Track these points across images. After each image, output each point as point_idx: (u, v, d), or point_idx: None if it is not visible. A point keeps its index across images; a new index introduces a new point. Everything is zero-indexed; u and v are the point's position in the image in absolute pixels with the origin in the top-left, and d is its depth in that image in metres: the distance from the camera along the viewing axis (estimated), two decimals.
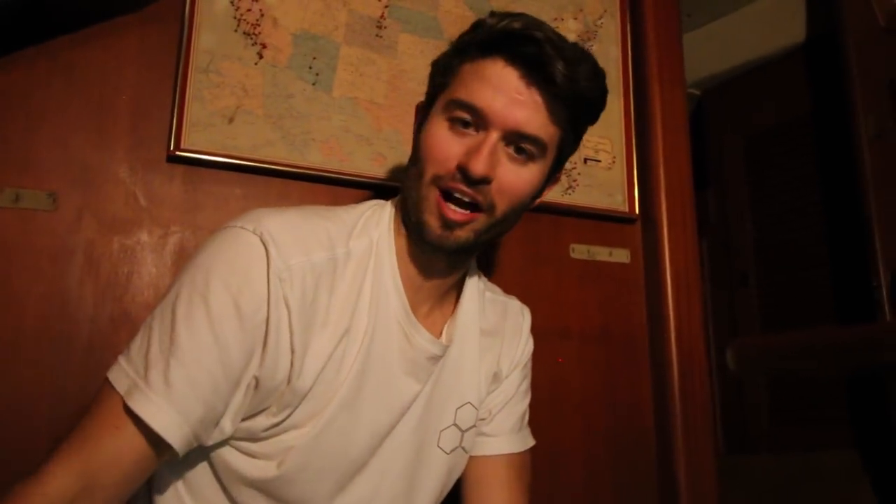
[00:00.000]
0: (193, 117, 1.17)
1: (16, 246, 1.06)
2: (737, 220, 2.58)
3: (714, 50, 2.63)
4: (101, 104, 1.15)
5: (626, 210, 1.57)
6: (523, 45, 0.81)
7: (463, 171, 0.81)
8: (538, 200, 0.95)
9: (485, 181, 0.81)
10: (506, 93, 0.81)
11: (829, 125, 2.29)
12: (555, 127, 0.84)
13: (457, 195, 0.82)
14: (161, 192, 1.16)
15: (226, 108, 1.20)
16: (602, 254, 1.55)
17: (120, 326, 1.08)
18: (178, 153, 1.15)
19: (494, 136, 0.81)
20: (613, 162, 1.58)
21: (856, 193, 2.00)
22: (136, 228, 1.13)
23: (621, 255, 1.57)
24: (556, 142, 0.86)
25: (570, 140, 0.89)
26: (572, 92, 0.82)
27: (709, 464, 1.50)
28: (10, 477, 0.70)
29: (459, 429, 0.97)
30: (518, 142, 0.83)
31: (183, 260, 1.13)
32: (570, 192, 1.50)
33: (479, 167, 0.80)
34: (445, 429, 0.96)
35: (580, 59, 0.83)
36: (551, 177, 0.92)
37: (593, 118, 0.92)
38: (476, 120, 0.82)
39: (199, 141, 1.17)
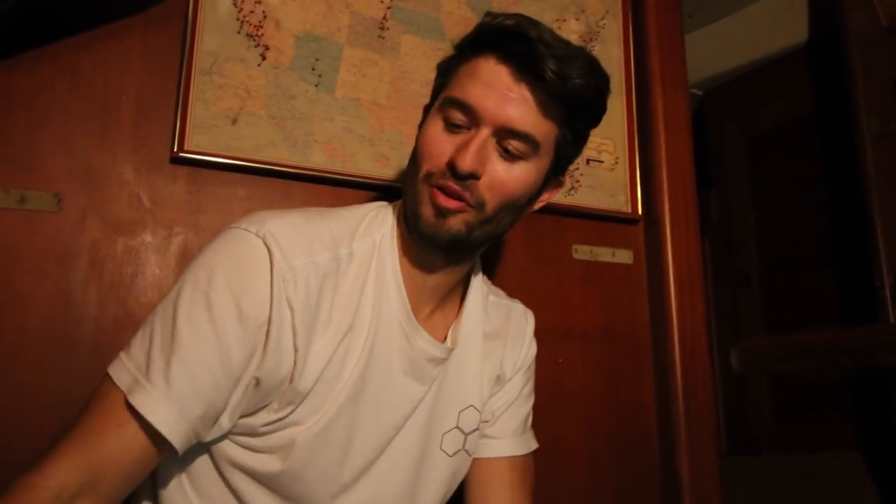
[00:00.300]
0: (197, 119, 1.17)
1: (20, 247, 1.06)
2: (739, 220, 2.58)
3: (716, 50, 2.63)
4: (104, 106, 1.15)
5: (629, 211, 1.58)
6: (515, 42, 0.81)
7: (451, 167, 0.81)
8: (540, 203, 0.95)
9: (472, 177, 0.82)
10: (496, 90, 0.82)
11: (832, 125, 2.29)
12: (548, 125, 0.84)
13: (446, 192, 0.83)
14: (165, 193, 1.16)
15: (229, 109, 1.20)
16: (605, 254, 1.55)
17: (124, 327, 1.08)
18: (181, 154, 1.16)
19: (485, 132, 0.82)
20: (616, 162, 1.58)
21: (859, 194, 2.00)
22: (139, 229, 1.14)
23: (624, 256, 1.57)
24: (551, 141, 0.86)
25: (567, 140, 0.89)
26: (563, 89, 0.82)
27: (711, 464, 1.50)
28: (15, 477, 0.70)
29: (462, 432, 0.98)
30: (509, 138, 0.83)
31: (186, 261, 1.13)
32: (572, 192, 1.51)
33: (465, 163, 0.80)
34: (448, 431, 0.96)
35: (573, 57, 0.82)
36: (550, 178, 0.92)
37: (592, 118, 0.91)
38: (468, 117, 0.83)
39: (202, 142, 1.17)
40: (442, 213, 0.83)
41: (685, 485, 1.46)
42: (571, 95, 0.83)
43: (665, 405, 1.52)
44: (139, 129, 1.16)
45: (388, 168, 1.31)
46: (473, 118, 0.83)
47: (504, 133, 0.82)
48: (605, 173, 1.56)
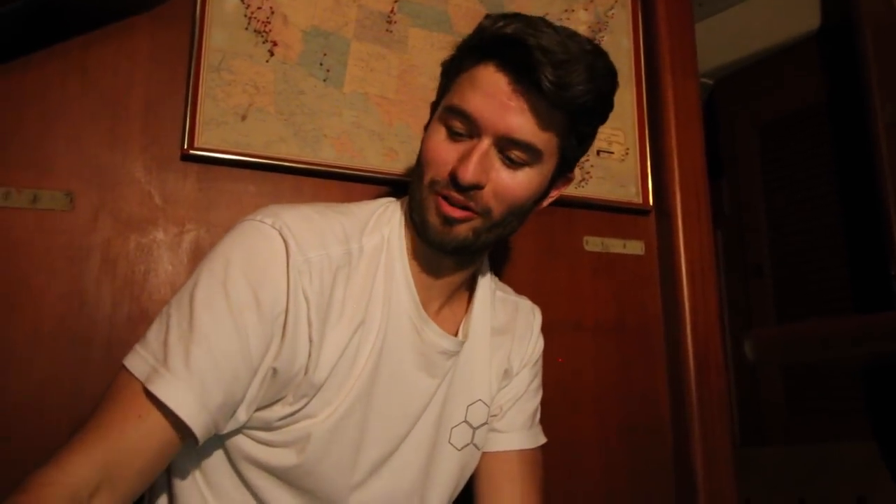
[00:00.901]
0: (206, 115, 1.18)
1: (34, 246, 1.07)
2: (751, 210, 2.57)
3: (726, 39, 2.60)
4: (114, 104, 1.15)
5: (640, 202, 1.57)
6: (512, 50, 0.80)
7: (455, 176, 0.81)
8: (549, 199, 0.95)
9: (475, 187, 0.82)
10: (496, 99, 0.81)
11: (845, 114, 2.27)
12: (549, 132, 0.83)
13: (451, 202, 0.83)
14: (175, 190, 1.17)
15: (238, 105, 1.20)
16: (616, 246, 1.54)
17: (138, 324, 1.09)
18: (191, 152, 1.16)
19: (486, 142, 0.82)
20: (626, 153, 1.57)
21: (872, 182, 1.98)
22: (151, 227, 1.14)
23: (635, 247, 1.57)
24: (553, 147, 0.85)
25: (572, 144, 0.88)
26: (562, 98, 0.80)
27: (725, 455, 1.49)
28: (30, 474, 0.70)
29: (471, 426, 0.98)
30: (511, 147, 0.82)
31: (198, 258, 1.14)
32: (583, 184, 1.50)
33: (467, 175, 0.80)
34: (457, 425, 0.97)
35: (573, 61, 0.79)
36: (557, 179, 0.92)
37: (596, 120, 0.90)
38: (469, 126, 0.83)
39: (212, 139, 1.18)
40: (449, 221, 0.84)
41: (699, 476, 1.46)
42: (571, 103, 0.81)
43: (678, 396, 1.51)
44: (149, 127, 1.17)
45: (397, 162, 1.31)
46: (474, 128, 0.82)
47: (505, 142, 0.82)
48: (616, 164, 1.55)
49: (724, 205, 2.64)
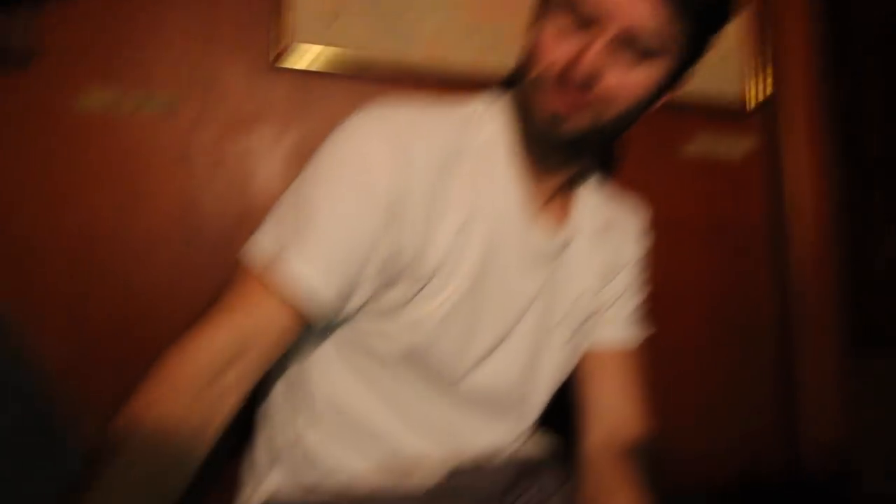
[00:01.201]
0: (297, 20, 1.18)
1: (142, 151, 1.12)
2: (868, 111, 2.40)
3: None
4: (207, 13, 1.17)
5: (745, 101, 1.48)
6: None
7: (568, 72, 0.77)
8: (657, 106, 0.90)
9: (590, 82, 0.78)
10: None
11: None
12: (671, 32, 0.78)
13: (562, 97, 0.80)
14: (271, 95, 1.18)
15: (328, 10, 1.20)
16: (720, 146, 1.47)
17: (242, 224, 1.13)
18: (284, 57, 1.17)
19: (606, 35, 0.77)
20: (730, 50, 1.48)
21: None
22: (249, 132, 1.17)
23: (740, 147, 1.49)
24: (673, 48, 0.80)
25: (691, 48, 0.83)
26: None
27: (832, 363, 1.45)
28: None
29: (573, 322, 0.98)
30: (632, 42, 0.77)
31: (295, 160, 1.17)
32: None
33: (584, 69, 0.76)
34: (560, 322, 0.97)
35: None
36: (669, 85, 0.86)
37: (716, 27, 0.84)
38: (588, 17, 0.78)
39: (304, 41, 1.18)
40: (556, 119, 0.80)
41: (800, 381, 1.42)
42: (700, 3, 0.77)
43: (783, 301, 1.47)
44: (242, 33, 1.18)
45: (490, 60, 1.27)
46: (594, 18, 0.77)
47: (626, 37, 0.77)
48: (718, 62, 1.47)
49: (839, 105, 2.47)
